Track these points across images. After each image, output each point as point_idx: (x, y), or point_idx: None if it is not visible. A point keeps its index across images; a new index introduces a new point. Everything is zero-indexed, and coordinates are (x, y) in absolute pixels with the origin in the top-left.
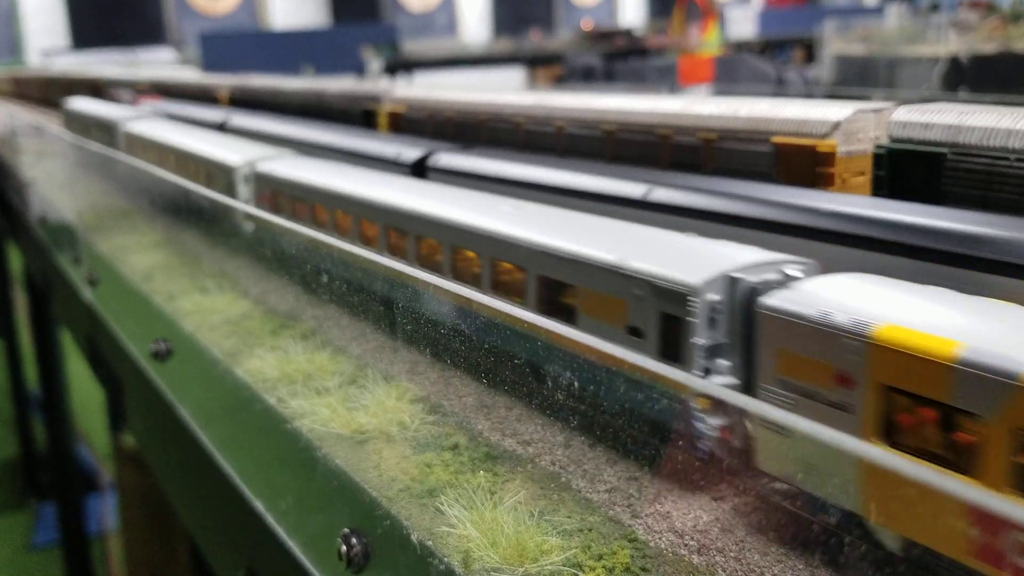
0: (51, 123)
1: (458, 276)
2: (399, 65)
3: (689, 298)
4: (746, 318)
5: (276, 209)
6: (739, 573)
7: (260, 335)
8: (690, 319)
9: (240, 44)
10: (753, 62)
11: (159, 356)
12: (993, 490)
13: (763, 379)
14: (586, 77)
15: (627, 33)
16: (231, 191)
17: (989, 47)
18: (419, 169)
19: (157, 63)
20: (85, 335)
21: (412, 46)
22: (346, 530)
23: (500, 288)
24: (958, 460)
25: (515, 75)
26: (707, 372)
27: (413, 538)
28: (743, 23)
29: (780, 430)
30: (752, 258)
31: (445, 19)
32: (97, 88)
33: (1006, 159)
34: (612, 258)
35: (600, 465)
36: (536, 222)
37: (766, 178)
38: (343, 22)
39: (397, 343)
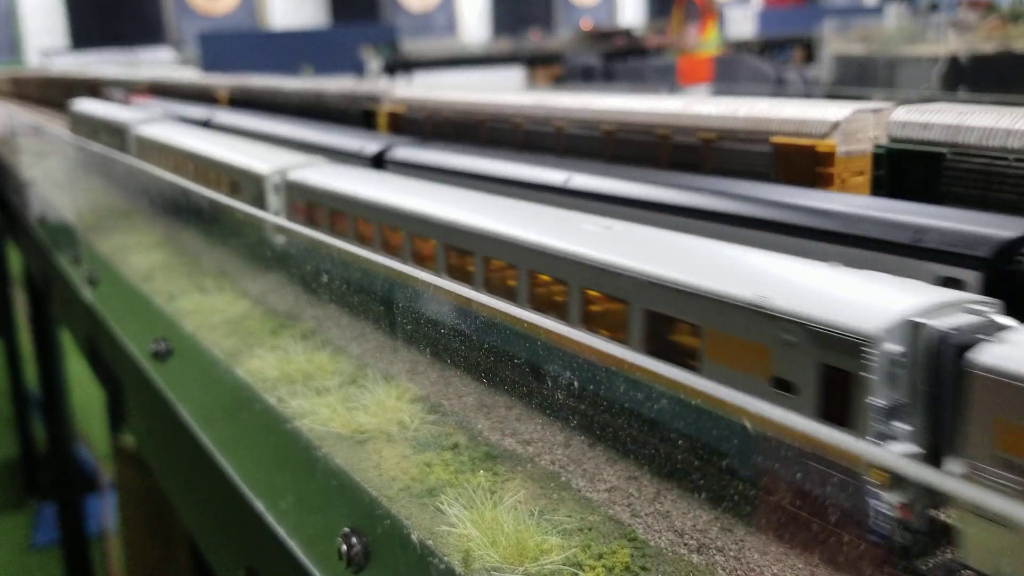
0: (56, 125)
1: (538, 305)
2: (398, 65)
3: (864, 348)
4: (933, 373)
5: (312, 222)
6: (738, 572)
7: (261, 337)
8: (864, 374)
9: (239, 44)
10: (752, 62)
11: (159, 356)
12: None
13: (973, 454)
14: (585, 77)
15: (626, 33)
16: (259, 201)
17: (988, 47)
18: (379, 162)
19: (156, 63)
20: (85, 335)
21: (411, 46)
22: (346, 529)
23: (592, 322)
24: None
25: (514, 75)
26: (883, 438)
27: (413, 537)
28: (742, 23)
29: (1004, 521)
30: (933, 298)
31: (444, 19)
32: (95, 88)
33: (1005, 159)
34: (749, 294)
35: (600, 464)
36: (638, 245)
37: (765, 178)
38: (342, 22)
39: (404, 345)
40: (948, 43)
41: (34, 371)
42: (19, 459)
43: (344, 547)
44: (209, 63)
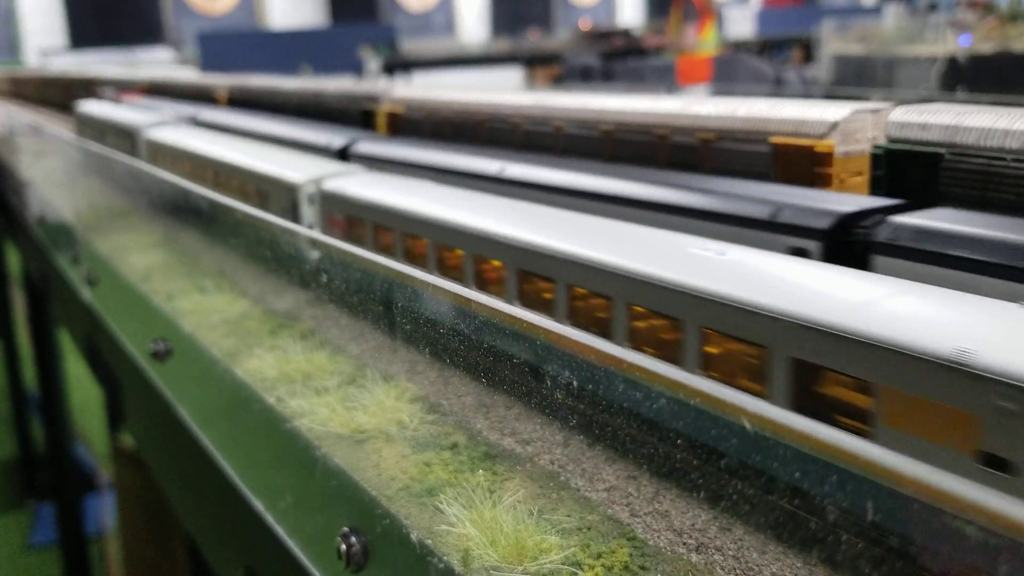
0: (57, 126)
1: (640, 344)
2: (397, 65)
3: None
4: None
5: (351, 236)
6: (737, 571)
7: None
8: None
9: (238, 44)
10: (751, 62)
11: (158, 356)
12: None
13: None
14: (584, 77)
15: (625, 33)
16: (291, 213)
17: (987, 47)
18: (344, 155)
19: (155, 63)
20: (84, 335)
21: (410, 46)
22: (345, 529)
23: (715, 367)
24: None
25: (513, 75)
26: None
27: (412, 537)
28: (741, 23)
29: None
30: None
31: (443, 19)
32: (90, 88)
33: (1003, 159)
34: (946, 348)
35: (599, 464)
36: (769, 273)
37: (764, 178)
38: (341, 22)
39: (405, 345)
40: (947, 43)
41: (33, 371)
42: (18, 459)
43: (343, 546)
44: (208, 63)
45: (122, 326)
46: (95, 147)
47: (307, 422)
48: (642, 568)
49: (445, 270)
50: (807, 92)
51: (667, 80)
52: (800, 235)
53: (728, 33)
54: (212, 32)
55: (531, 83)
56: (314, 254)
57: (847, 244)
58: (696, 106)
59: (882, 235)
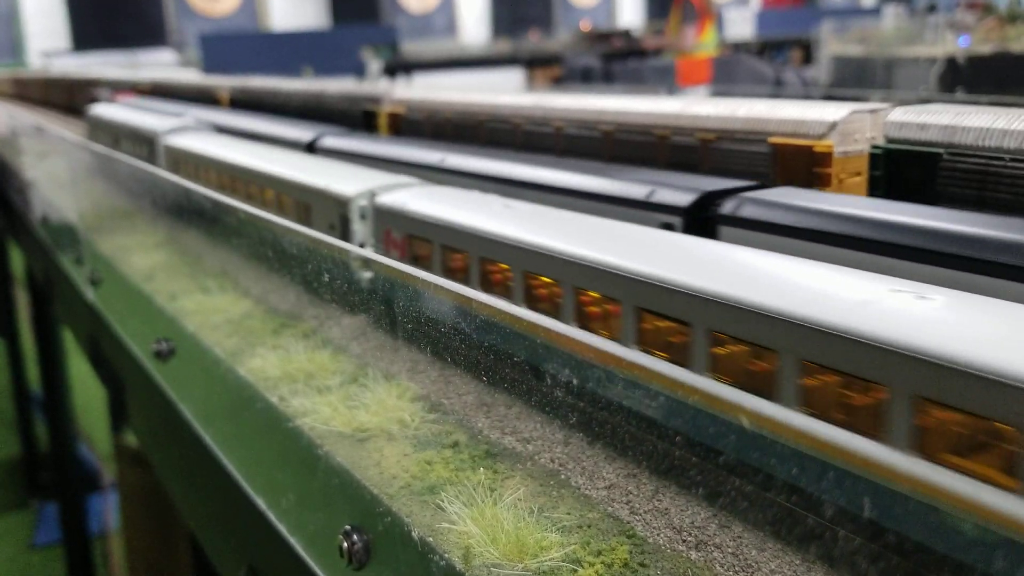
0: (62, 128)
1: (759, 388)
2: (398, 66)
3: None
4: None
5: (412, 257)
6: (736, 568)
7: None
8: None
9: (240, 45)
10: (751, 63)
11: (161, 356)
12: None
13: None
14: (584, 78)
15: (625, 34)
16: (339, 229)
17: (986, 48)
18: (311, 148)
19: (158, 64)
20: (87, 335)
21: (411, 47)
22: (347, 527)
23: (850, 418)
24: None
25: (514, 76)
26: None
27: (414, 535)
28: (741, 24)
29: None
30: None
31: (444, 20)
32: (91, 90)
33: (1001, 159)
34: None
35: (599, 462)
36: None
37: (763, 178)
38: (343, 23)
39: (408, 345)
40: (946, 44)
41: (36, 371)
42: (21, 459)
43: (345, 544)
44: (210, 64)
45: (125, 326)
46: (111, 153)
47: (309, 421)
48: (642, 565)
49: (532, 301)
50: (806, 93)
51: (667, 81)
52: (667, 212)
53: (728, 34)
54: (214, 34)
55: (531, 84)
56: (365, 274)
57: (704, 220)
58: (696, 107)
59: (724, 210)
